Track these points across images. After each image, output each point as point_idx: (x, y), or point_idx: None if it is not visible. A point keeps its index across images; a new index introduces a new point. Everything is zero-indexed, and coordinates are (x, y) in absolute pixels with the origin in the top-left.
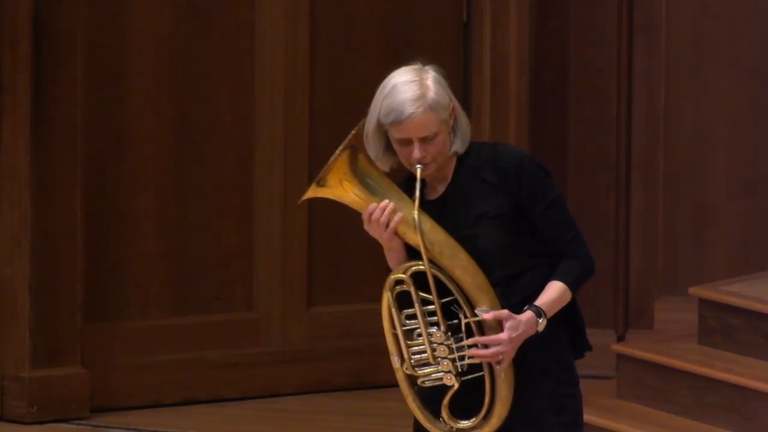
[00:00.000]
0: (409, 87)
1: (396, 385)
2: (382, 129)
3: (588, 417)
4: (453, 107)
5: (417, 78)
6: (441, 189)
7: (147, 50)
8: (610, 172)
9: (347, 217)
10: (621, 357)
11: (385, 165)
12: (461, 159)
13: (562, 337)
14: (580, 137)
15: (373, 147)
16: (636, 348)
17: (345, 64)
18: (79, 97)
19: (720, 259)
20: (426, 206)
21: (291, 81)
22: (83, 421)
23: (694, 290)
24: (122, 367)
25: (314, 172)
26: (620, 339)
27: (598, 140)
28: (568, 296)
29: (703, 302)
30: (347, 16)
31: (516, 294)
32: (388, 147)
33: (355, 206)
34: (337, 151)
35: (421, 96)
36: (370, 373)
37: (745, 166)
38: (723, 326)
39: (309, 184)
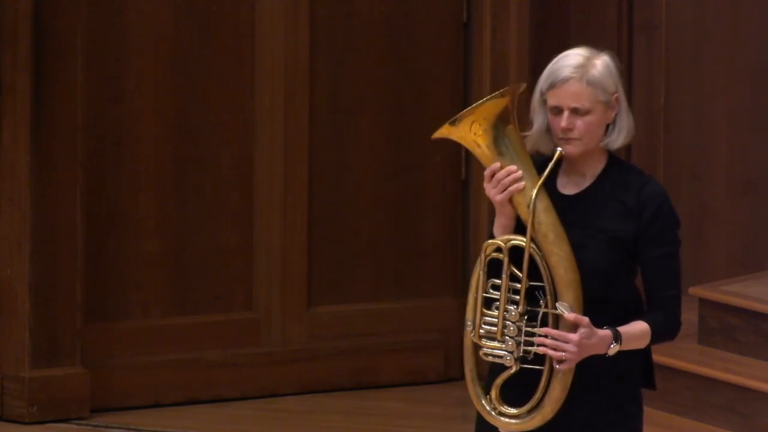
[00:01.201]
0: (574, 57)
1: (396, 385)
2: (543, 101)
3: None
4: (617, 98)
5: (587, 54)
6: (577, 188)
7: (147, 50)
8: None
9: (347, 217)
10: None
11: (538, 144)
12: (608, 169)
13: (633, 355)
14: None
15: (535, 121)
16: None
17: (345, 64)
18: (79, 97)
19: (720, 259)
20: (556, 197)
21: (291, 81)
22: (83, 421)
23: (694, 290)
24: (122, 367)
25: (314, 172)
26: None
27: None
28: (646, 341)
29: (703, 302)
30: (347, 16)
31: (600, 317)
32: (548, 129)
33: (481, 159)
34: (485, 99)
35: (582, 66)
36: (370, 373)
37: (745, 166)
38: (723, 326)
39: (309, 185)
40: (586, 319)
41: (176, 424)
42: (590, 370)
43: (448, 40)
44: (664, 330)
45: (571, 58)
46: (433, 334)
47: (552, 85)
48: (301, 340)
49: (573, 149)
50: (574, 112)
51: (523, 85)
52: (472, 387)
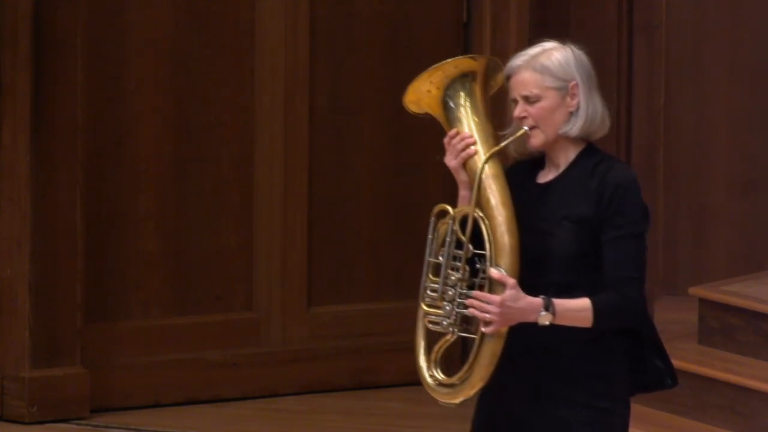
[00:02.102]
0: (532, 48)
1: (396, 385)
2: (511, 99)
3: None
4: (575, 85)
5: (548, 46)
6: (550, 177)
7: (147, 50)
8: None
9: (347, 217)
10: None
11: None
12: (580, 157)
13: (611, 353)
14: None
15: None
16: None
17: (345, 64)
18: (79, 97)
19: (720, 259)
20: (530, 188)
21: (291, 81)
22: (83, 421)
23: (694, 290)
24: (122, 367)
25: (314, 172)
26: None
27: (598, 140)
28: (588, 319)
29: (703, 302)
30: (347, 16)
31: None
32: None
33: (444, 126)
34: (453, 59)
35: (535, 55)
36: (370, 373)
37: (745, 166)
38: (723, 326)
39: (309, 185)
40: (512, 281)
41: (176, 424)
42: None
43: (448, 40)
44: (614, 310)
45: (529, 49)
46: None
47: (508, 78)
48: (301, 340)
49: (533, 140)
50: (526, 100)
51: (500, 63)
52: (417, 358)
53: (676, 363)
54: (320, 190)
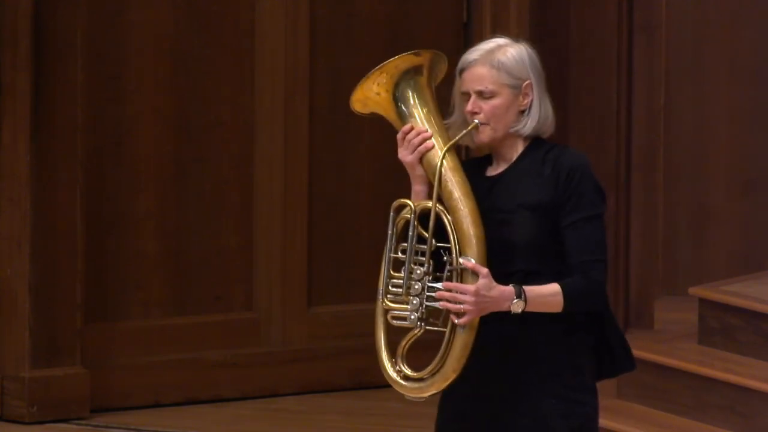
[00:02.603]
0: (486, 43)
1: None
2: (459, 90)
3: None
4: (528, 85)
5: (502, 42)
6: (500, 170)
7: (147, 50)
8: (610, 172)
9: (347, 217)
10: None
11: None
12: (529, 149)
13: (582, 344)
14: (580, 137)
15: (456, 111)
16: (636, 348)
17: (345, 64)
18: (79, 97)
19: (720, 259)
20: (480, 179)
21: (291, 81)
22: (83, 421)
23: (694, 290)
24: (122, 367)
25: (314, 172)
26: None
27: (598, 140)
28: (558, 304)
29: (703, 302)
30: (347, 16)
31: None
32: (465, 118)
33: (394, 124)
34: (396, 57)
35: (490, 51)
36: (370, 373)
37: (745, 166)
38: (723, 326)
39: (309, 185)
40: (485, 270)
41: (176, 424)
42: (539, 357)
43: (448, 40)
44: (582, 293)
45: (483, 44)
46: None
47: (461, 71)
48: (301, 340)
49: (482, 136)
50: (480, 95)
51: (444, 57)
52: (380, 354)
53: (676, 363)
54: (320, 190)
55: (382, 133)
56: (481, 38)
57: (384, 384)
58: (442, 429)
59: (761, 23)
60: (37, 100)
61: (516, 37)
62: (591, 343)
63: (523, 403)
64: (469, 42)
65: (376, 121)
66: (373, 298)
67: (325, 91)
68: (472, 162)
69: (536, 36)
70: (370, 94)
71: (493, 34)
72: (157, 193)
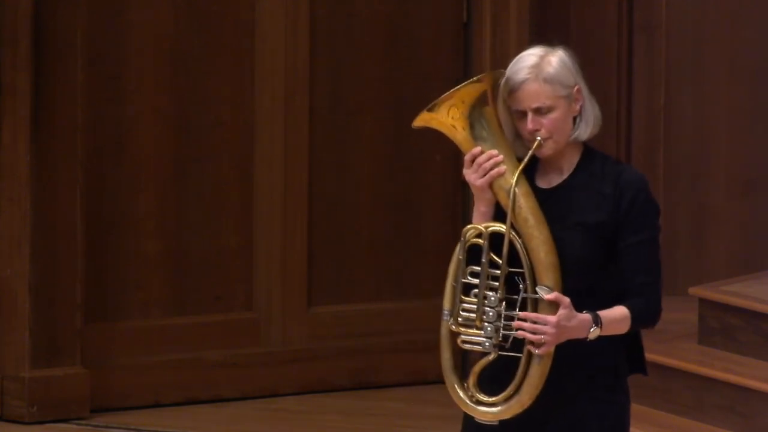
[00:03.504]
0: (528, 58)
1: (396, 385)
2: (509, 108)
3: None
4: (578, 90)
5: (541, 53)
6: (555, 182)
7: (147, 50)
8: None
9: (347, 217)
10: None
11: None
12: (584, 160)
13: (617, 348)
14: None
15: (505, 128)
16: None
17: (345, 64)
18: (79, 97)
19: (720, 259)
20: (534, 192)
21: (291, 81)
22: (83, 421)
23: (694, 290)
24: (122, 367)
25: (314, 172)
26: None
27: (598, 140)
28: (626, 327)
29: (703, 302)
30: (347, 16)
31: (584, 308)
32: (519, 135)
33: (461, 144)
34: (463, 83)
35: (536, 66)
36: (370, 373)
37: (745, 166)
38: (723, 326)
39: (309, 185)
40: (567, 300)
41: (176, 424)
42: (576, 362)
43: (448, 40)
44: (644, 315)
45: (525, 59)
46: (433, 334)
47: (512, 91)
48: (301, 340)
49: (545, 150)
50: (537, 111)
51: (503, 72)
52: (449, 376)
53: (676, 363)
54: (320, 190)
55: (382, 133)
56: (481, 38)
57: (384, 384)
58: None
59: (761, 23)
60: (37, 100)
61: (551, 44)
62: (623, 347)
63: (558, 405)
64: (469, 42)
65: (376, 121)
66: (373, 298)
67: (325, 91)
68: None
69: (536, 36)
70: (443, 122)
71: (493, 34)
72: (157, 193)
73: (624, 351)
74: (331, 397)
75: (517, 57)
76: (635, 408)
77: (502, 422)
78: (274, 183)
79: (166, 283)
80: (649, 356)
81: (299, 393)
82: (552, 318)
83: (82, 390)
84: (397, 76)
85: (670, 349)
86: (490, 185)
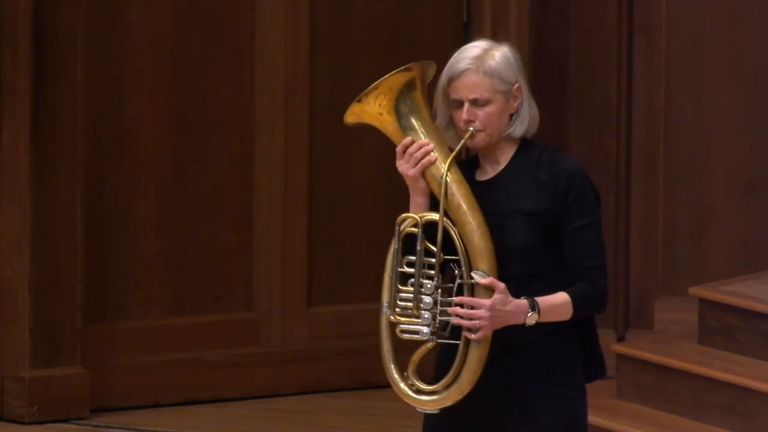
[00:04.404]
0: (472, 49)
1: None
2: (446, 96)
3: (588, 417)
4: (518, 87)
5: (486, 46)
6: (491, 173)
7: (147, 50)
8: (610, 172)
9: (347, 217)
10: (621, 357)
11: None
12: (520, 151)
13: (570, 344)
14: (580, 137)
15: (439, 115)
16: (636, 348)
17: (345, 64)
18: (79, 97)
19: (720, 259)
20: (472, 186)
21: (291, 81)
22: (83, 421)
23: (694, 290)
24: (122, 367)
25: (314, 172)
26: (620, 339)
27: (598, 140)
28: (568, 312)
29: (703, 302)
30: (347, 16)
31: (526, 295)
32: (451, 123)
33: (393, 136)
34: (391, 73)
35: (479, 57)
36: (370, 373)
37: (745, 166)
38: (723, 326)
39: (309, 185)
40: (501, 285)
41: (176, 424)
42: (526, 355)
43: (448, 40)
44: (588, 300)
45: (469, 50)
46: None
47: (451, 79)
48: (301, 340)
49: (477, 141)
50: (474, 103)
51: (433, 64)
52: (389, 369)
53: (676, 363)
54: (320, 190)
55: (383, 133)
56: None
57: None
58: (433, 427)
59: (761, 23)
60: (37, 100)
61: (496, 39)
62: (577, 343)
63: (515, 400)
64: (469, 42)
65: None
66: (373, 298)
67: (325, 91)
68: (459, 164)
69: (536, 36)
70: (372, 112)
71: (493, 34)
72: (157, 193)
73: (577, 348)
74: (331, 397)
75: (462, 47)
76: (635, 408)
77: (454, 414)
78: (274, 183)
79: (166, 283)
80: (649, 356)
81: (299, 393)
82: (486, 301)
83: (82, 390)
84: None
85: (670, 349)
86: (423, 174)
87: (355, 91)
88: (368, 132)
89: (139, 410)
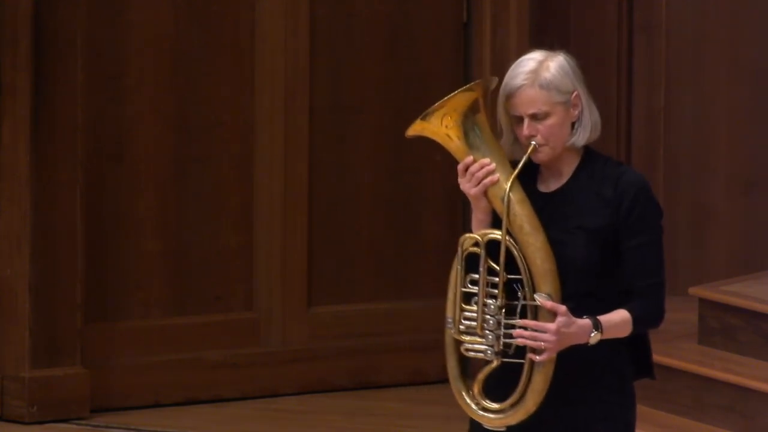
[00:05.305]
0: (526, 63)
1: (396, 385)
2: (507, 113)
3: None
4: (577, 96)
5: (541, 57)
6: (554, 186)
7: (147, 50)
8: None
9: (347, 217)
10: None
11: (511, 153)
12: (584, 163)
13: (621, 351)
14: None
15: (504, 132)
16: None
17: (345, 64)
18: (79, 97)
19: (720, 259)
20: (533, 196)
21: (291, 81)
22: (83, 421)
23: (694, 290)
24: (122, 367)
25: (314, 172)
26: None
27: (598, 140)
28: (628, 330)
29: (703, 302)
30: (347, 16)
31: (584, 312)
32: (516, 138)
33: (455, 153)
34: (455, 92)
35: (534, 71)
36: (370, 373)
37: (745, 166)
38: (723, 326)
39: (309, 185)
40: (563, 308)
41: (176, 424)
42: (581, 365)
43: (448, 40)
44: (647, 318)
45: (523, 64)
46: (433, 334)
47: (509, 96)
48: (301, 340)
49: (541, 156)
50: (534, 117)
51: (495, 80)
52: (455, 384)
53: (676, 363)
54: (320, 190)
55: (382, 133)
56: (481, 38)
57: (384, 384)
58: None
59: (761, 23)
60: (37, 100)
61: (551, 48)
62: (626, 348)
63: (564, 408)
64: (469, 42)
65: (376, 121)
66: (373, 298)
67: (325, 91)
68: (519, 173)
69: (536, 36)
70: (435, 131)
71: (493, 34)
72: (157, 193)
73: (629, 354)
74: (331, 397)
75: (517, 61)
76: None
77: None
78: (274, 183)
79: (166, 283)
80: None
81: (299, 393)
82: (551, 325)
83: (82, 390)
84: (397, 76)
85: (670, 349)
86: (485, 193)
87: (356, 91)
88: (368, 132)
89: (139, 410)
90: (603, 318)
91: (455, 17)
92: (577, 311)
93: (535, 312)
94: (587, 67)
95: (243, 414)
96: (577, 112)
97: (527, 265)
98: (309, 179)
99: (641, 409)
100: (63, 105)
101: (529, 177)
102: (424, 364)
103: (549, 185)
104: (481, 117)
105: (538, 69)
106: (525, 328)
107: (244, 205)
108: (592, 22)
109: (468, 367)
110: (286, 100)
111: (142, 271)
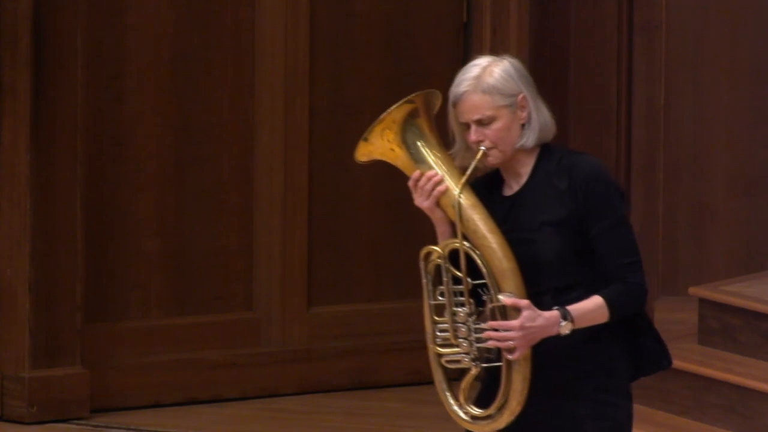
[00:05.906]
0: (470, 69)
1: (396, 385)
2: (457, 120)
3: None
4: (523, 98)
5: (485, 63)
6: (516, 187)
7: (147, 50)
8: (610, 172)
9: (347, 217)
10: None
11: (464, 160)
12: (540, 160)
13: (615, 346)
14: (580, 137)
15: (456, 138)
16: None
17: (345, 64)
18: (79, 97)
19: (720, 259)
20: (498, 202)
21: (291, 81)
22: (83, 421)
23: (694, 290)
24: (122, 367)
25: (314, 172)
26: None
27: (598, 140)
28: (605, 315)
29: (703, 302)
30: (347, 16)
31: (569, 305)
32: (468, 146)
33: (404, 169)
34: (390, 108)
35: (477, 77)
36: (370, 373)
37: (745, 166)
38: (723, 326)
39: (309, 185)
40: (525, 302)
41: (176, 424)
42: (566, 361)
43: (448, 40)
44: (624, 299)
45: (467, 71)
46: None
47: (455, 103)
48: (301, 340)
49: (492, 159)
50: (480, 123)
51: (437, 93)
52: (444, 397)
53: (676, 363)
54: (320, 190)
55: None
56: (481, 38)
57: (384, 384)
58: None
59: (761, 23)
60: (37, 100)
61: (497, 54)
62: (621, 346)
63: (556, 405)
64: (469, 42)
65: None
66: (372, 299)
67: (325, 91)
68: (482, 181)
69: (536, 36)
70: (380, 148)
71: (493, 34)
72: (157, 193)
73: (623, 352)
74: (331, 397)
75: (463, 68)
76: (635, 408)
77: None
78: (274, 183)
79: (166, 283)
80: None
81: (299, 393)
82: (514, 322)
83: (82, 390)
84: (397, 76)
85: (670, 349)
86: (438, 204)
87: (356, 91)
88: None
89: (139, 410)
90: (572, 307)
91: (455, 17)
92: (555, 304)
93: (505, 312)
94: (587, 67)
95: (243, 414)
96: (525, 114)
97: (488, 267)
98: (309, 179)
99: (641, 409)
100: (63, 105)
101: (494, 184)
102: (424, 364)
103: (512, 188)
104: (424, 126)
105: (481, 75)
106: (496, 330)
107: (244, 205)
108: (592, 22)
109: (456, 379)
110: (286, 101)
111: (142, 271)
